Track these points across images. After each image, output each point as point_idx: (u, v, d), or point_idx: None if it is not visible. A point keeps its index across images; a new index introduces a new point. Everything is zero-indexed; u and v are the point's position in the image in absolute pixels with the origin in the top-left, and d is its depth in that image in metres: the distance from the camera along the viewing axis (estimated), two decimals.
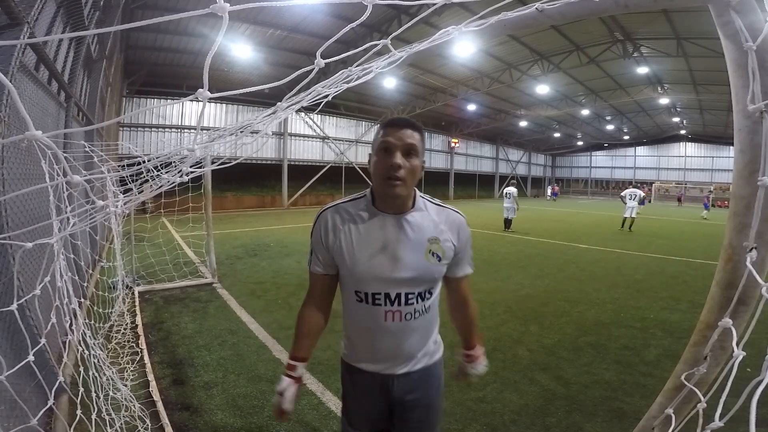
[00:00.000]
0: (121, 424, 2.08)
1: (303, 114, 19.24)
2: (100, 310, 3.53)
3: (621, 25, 12.13)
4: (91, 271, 4.85)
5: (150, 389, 2.63)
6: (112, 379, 2.29)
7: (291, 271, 6.15)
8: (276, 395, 1.18)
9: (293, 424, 2.37)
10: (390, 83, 16.61)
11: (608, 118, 26.40)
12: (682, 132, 30.17)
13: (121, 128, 14.42)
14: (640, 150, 35.41)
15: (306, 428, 2.34)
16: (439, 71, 16.31)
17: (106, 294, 3.96)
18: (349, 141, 21.75)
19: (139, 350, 3.20)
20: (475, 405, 2.58)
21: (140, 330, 3.60)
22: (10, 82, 1.32)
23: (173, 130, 16.08)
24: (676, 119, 26.08)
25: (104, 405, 2.00)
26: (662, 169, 34.27)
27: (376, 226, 1.16)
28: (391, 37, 1.21)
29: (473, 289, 1.37)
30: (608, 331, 3.92)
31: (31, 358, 1.18)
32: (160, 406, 2.45)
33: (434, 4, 1.01)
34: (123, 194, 1.66)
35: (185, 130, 16.16)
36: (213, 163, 1.91)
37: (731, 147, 1.27)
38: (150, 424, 2.20)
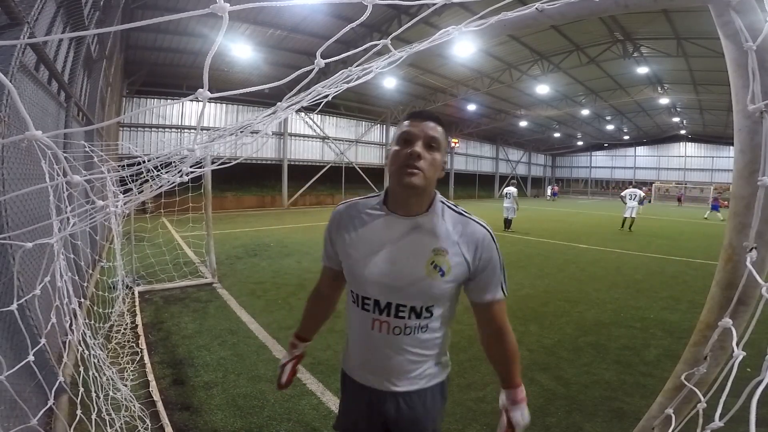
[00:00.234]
0: (121, 424, 2.08)
1: (303, 114, 19.24)
2: (100, 310, 3.53)
3: (621, 25, 12.13)
4: (91, 271, 4.85)
5: (150, 389, 2.63)
6: (112, 379, 2.29)
7: (291, 271, 6.15)
8: (278, 368, 1.34)
9: (293, 423, 2.37)
10: (390, 83, 16.61)
11: (608, 118, 26.40)
12: (682, 132, 30.17)
13: (121, 128, 14.42)
14: (640, 150, 35.41)
15: (306, 428, 2.34)
16: (439, 71, 16.31)
17: (106, 294, 3.96)
18: (349, 141, 21.73)
19: (139, 350, 3.20)
20: (475, 405, 2.58)
21: (140, 330, 3.60)
22: (10, 82, 1.32)
23: (173, 130, 16.08)
24: (676, 119, 26.08)
25: (104, 405, 2.00)
26: (662, 169, 34.28)
27: (381, 225, 1.09)
28: (391, 37, 1.21)
29: None
30: (608, 331, 3.92)
31: (31, 358, 1.18)
32: (160, 406, 2.44)
33: (434, 4, 1.01)
34: (123, 194, 1.66)
35: (185, 130, 16.16)
36: (213, 163, 1.90)
37: (731, 147, 1.27)
38: (150, 424, 2.20)
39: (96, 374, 2.06)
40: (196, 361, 3.12)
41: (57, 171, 1.99)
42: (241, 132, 1.55)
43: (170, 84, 14.87)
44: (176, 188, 1.37)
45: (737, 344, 0.77)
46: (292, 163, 19.27)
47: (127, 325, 3.71)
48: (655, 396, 1.08)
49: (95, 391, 1.99)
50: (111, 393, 2.19)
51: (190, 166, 1.15)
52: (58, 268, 1.78)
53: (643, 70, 15.42)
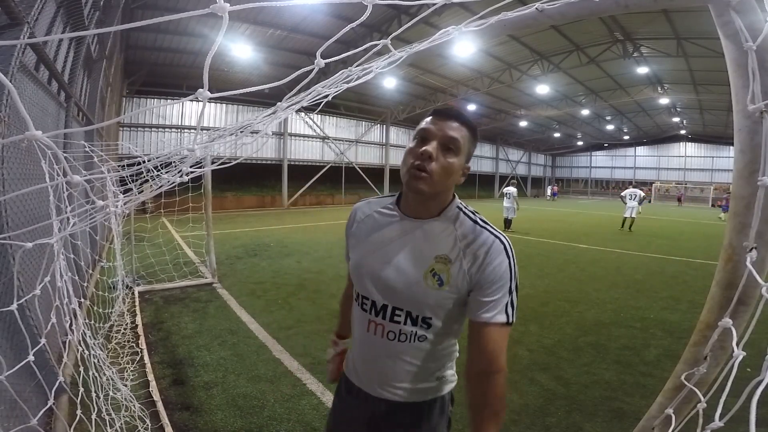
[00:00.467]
0: (121, 424, 2.08)
1: (303, 114, 19.24)
2: (100, 310, 3.53)
3: (621, 25, 12.13)
4: (91, 271, 4.85)
5: (150, 389, 2.63)
6: (112, 379, 2.29)
7: (291, 271, 6.16)
8: (327, 364, 1.47)
9: (293, 423, 2.37)
10: (390, 83, 16.61)
11: (608, 118, 26.40)
12: (682, 132, 30.18)
13: (121, 128, 14.42)
14: (640, 150, 35.42)
15: (306, 428, 2.34)
16: (439, 71, 16.32)
17: (106, 294, 3.96)
18: (349, 141, 21.74)
19: (139, 350, 3.20)
20: None
21: (140, 330, 3.60)
22: (10, 82, 1.32)
23: (173, 130, 16.08)
24: (676, 119, 26.09)
25: (104, 405, 2.00)
26: (662, 169, 34.29)
27: (388, 225, 1.06)
28: (391, 37, 1.21)
29: None
30: (608, 331, 3.92)
31: (31, 358, 1.18)
32: (160, 406, 2.45)
33: (434, 4, 1.00)
34: (123, 194, 1.66)
35: (185, 130, 16.16)
36: (213, 163, 1.90)
37: (731, 147, 1.27)
38: (150, 424, 2.20)
39: (96, 374, 2.06)
40: (196, 361, 3.12)
41: (57, 171, 1.99)
42: (241, 132, 1.55)
43: (170, 84, 14.87)
44: (176, 188, 1.36)
45: (737, 344, 0.76)
46: (292, 163, 19.28)
47: (127, 325, 3.71)
48: (655, 396, 1.08)
49: (95, 391, 1.99)
50: (111, 393, 2.19)
51: (190, 166, 1.15)
52: (58, 268, 1.78)
53: (643, 70, 15.43)
